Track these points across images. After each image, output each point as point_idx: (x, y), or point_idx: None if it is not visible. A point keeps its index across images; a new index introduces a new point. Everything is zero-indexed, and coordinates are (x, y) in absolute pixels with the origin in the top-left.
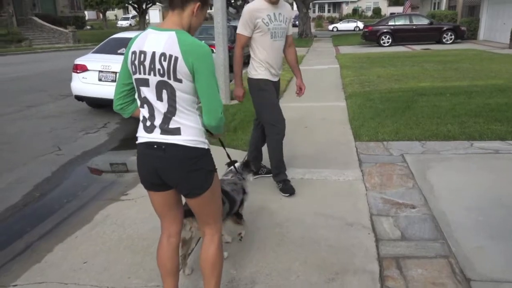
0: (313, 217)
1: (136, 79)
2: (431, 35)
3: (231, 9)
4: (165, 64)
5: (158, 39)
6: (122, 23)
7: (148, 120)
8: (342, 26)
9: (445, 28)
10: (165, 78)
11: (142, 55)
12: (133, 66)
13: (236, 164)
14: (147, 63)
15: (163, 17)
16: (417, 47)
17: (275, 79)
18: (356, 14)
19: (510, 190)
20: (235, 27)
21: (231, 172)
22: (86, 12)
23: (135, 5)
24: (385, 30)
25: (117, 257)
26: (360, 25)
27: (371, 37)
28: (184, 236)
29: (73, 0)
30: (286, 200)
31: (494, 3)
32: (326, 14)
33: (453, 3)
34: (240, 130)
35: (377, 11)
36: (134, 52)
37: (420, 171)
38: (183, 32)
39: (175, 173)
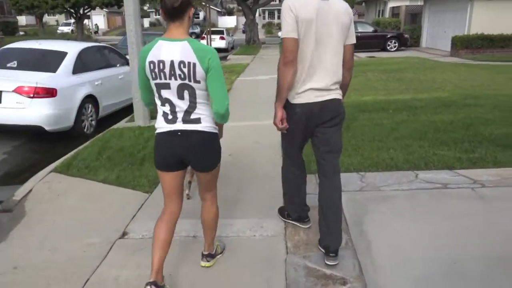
0: None
1: (157, 84)
2: (375, 42)
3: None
4: (185, 70)
5: (173, 49)
6: (63, 29)
7: (169, 115)
8: None
9: (389, 36)
10: (186, 81)
11: (161, 64)
12: (153, 74)
13: None
14: (167, 70)
15: (108, 23)
16: (363, 55)
17: None
18: None
19: (463, 247)
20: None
21: None
22: (24, 17)
23: (72, 10)
24: None
25: None
26: None
27: None
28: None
29: (2, 5)
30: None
31: (435, 11)
32: (276, 20)
33: (396, 11)
34: (149, 162)
35: None
36: (152, 62)
37: (357, 218)
38: (193, 40)
39: (195, 153)
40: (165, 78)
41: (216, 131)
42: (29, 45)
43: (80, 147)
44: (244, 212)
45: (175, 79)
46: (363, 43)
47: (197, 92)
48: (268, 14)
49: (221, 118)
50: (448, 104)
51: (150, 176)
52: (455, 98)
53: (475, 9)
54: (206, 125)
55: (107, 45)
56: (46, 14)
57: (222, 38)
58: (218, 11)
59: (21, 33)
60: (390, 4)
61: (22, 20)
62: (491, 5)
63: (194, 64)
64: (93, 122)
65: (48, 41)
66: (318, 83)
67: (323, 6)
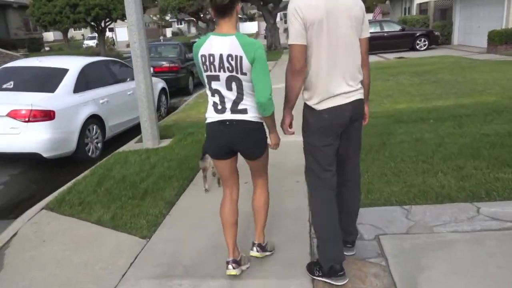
0: None
1: (208, 76)
2: (404, 42)
3: (200, 24)
4: (233, 62)
5: (222, 43)
6: (88, 43)
7: (219, 105)
8: None
9: (418, 34)
10: (234, 73)
11: (211, 57)
12: (204, 66)
13: None
14: (216, 63)
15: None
16: (390, 56)
17: None
18: None
19: None
20: (191, 45)
21: None
22: (52, 33)
23: (94, 24)
24: None
25: None
26: None
27: None
28: (204, 166)
29: (28, 22)
30: None
31: (466, 6)
32: None
33: (424, 7)
34: (151, 195)
35: None
36: (203, 55)
37: (409, 280)
38: (241, 35)
39: (244, 141)
40: (215, 71)
41: (261, 120)
42: (28, 63)
43: (79, 177)
44: (259, 269)
45: (224, 71)
46: (390, 43)
47: (244, 83)
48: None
49: (263, 109)
50: (499, 110)
51: (150, 214)
52: (506, 102)
53: None
54: (252, 115)
55: (116, 59)
56: (72, 29)
57: None
58: (239, 17)
59: (47, 48)
60: (417, 1)
61: (50, 36)
62: None
63: (241, 57)
64: (99, 145)
65: (50, 58)
66: (342, 84)
67: (332, 3)
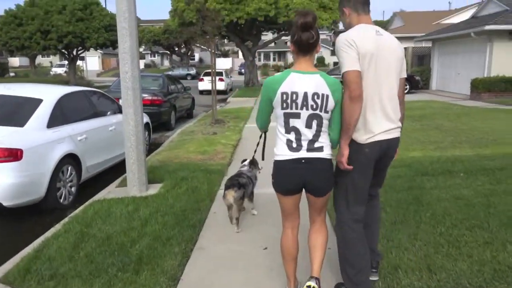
0: None
1: (286, 113)
2: None
3: (175, 57)
4: (318, 101)
5: (307, 81)
6: (57, 70)
7: (294, 143)
8: None
9: None
10: (317, 111)
11: (294, 95)
12: (284, 104)
13: (246, 162)
14: (299, 101)
15: (103, 64)
16: None
17: None
18: None
19: None
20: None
21: (244, 166)
22: (18, 59)
23: (65, 51)
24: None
25: None
26: None
27: None
28: (227, 203)
29: None
30: None
31: (445, 53)
32: (271, 62)
33: None
34: (148, 266)
35: (320, 60)
36: (285, 93)
37: None
38: (324, 74)
39: (318, 179)
40: (296, 108)
41: (332, 157)
42: None
43: (48, 234)
44: None
45: (307, 109)
46: None
47: (324, 122)
48: (264, 56)
49: (336, 144)
50: None
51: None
52: None
53: (495, 50)
54: (327, 152)
55: (96, 89)
56: (40, 56)
57: (221, 79)
58: (214, 52)
59: (12, 74)
60: None
61: (16, 61)
62: (511, 46)
63: (327, 96)
64: (73, 189)
65: (21, 85)
66: (384, 121)
67: (380, 40)
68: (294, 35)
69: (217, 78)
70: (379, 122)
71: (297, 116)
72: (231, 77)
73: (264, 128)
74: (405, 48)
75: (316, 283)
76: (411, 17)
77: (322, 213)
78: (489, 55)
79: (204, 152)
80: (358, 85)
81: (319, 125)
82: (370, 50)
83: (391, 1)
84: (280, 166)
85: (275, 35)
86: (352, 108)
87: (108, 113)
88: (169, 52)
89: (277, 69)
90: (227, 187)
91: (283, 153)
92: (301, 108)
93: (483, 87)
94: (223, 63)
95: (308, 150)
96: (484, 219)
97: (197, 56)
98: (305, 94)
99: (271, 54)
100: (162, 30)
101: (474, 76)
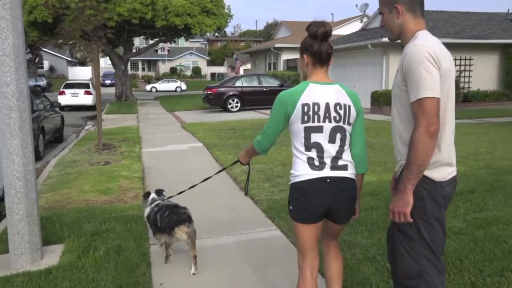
0: None
1: (307, 127)
2: None
3: None
4: (341, 112)
5: (327, 92)
6: None
7: (316, 160)
8: (162, 86)
9: None
10: (340, 123)
11: (316, 106)
12: (305, 116)
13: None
14: (321, 112)
15: None
16: None
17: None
18: (175, 73)
19: None
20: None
21: (155, 198)
22: None
23: None
24: (232, 93)
25: None
26: (183, 85)
27: (216, 101)
28: (176, 241)
29: None
30: None
31: (338, 65)
32: (140, 72)
33: (291, 64)
34: None
35: (197, 71)
36: (306, 105)
37: None
38: (342, 85)
39: (344, 201)
40: (318, 121)
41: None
42: None
43: None
44: None
45: (329, 121)
46: (269, 98)
47: (347, 135)
48: (131, 65)
49: (364, 163)
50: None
51: None
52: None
53: (391, 62)
54: (352, 172)
55: None
56: None
57: (88, 92)
58: (68, 60)
59: None
60: (284, 57)
61: None
62: None
63: (349, 106)
64: None
65: None
66: (453, 151)
67: (448, 52)
68: (310, 45)
69: (83, 90)
70: (454, 155)
71: (320, 130)
72: None
73: (266, 150)
74: (294, 60)
75: None
76: (297, 27)
77: (335, 240)
78: (386, 67)
79: (106, 191)
80: (438, 117)
81: (343, 140)
82: (448, 68)
83: (264, 10)
84: (301, 187)
85: (149, 41)
86: (429, 147)
87: None
88: None
89: (148, 80)
90: (177, 223)
91: (305, 173)
92: (324, 121)
93: (384, 100)
94: (80, 73)
95: (332, 168)
96: (504, 258)
97: (46, 64)
98: (327, 105)
99: (140, 63)
100: None
101: (371, 89)
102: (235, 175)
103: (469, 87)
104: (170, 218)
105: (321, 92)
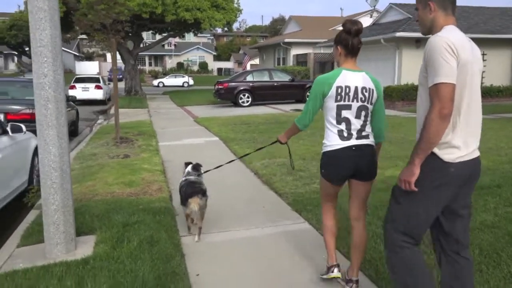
0: None
1: (339, 105)
2: (293, 93)
3: (25, 58)
4: (366, 94)
5: (356, 77)
6: None
7: (345, 132)
8: (169, 81)
9: (308, 86)
10: (365, 103)
11: (347, 88)
12: (338, 96)
13: (189, 167)
14: (351, 93)
15: None
16: (286, 108)
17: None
18: (182, 68)
19: None
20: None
21: (189, 172)
22: None
23: None
24: (243, 88)
25: None
26: (190, 80)
27: (227, 95)
28: (190, 212)
29: None
30: None
31: None
32: (147, 67)
33: (301, 59)
34: None
35: (203, 66)
36: (339, 87)
37: None
38: (368, 72)
39: (368, 163)
40: (348, 100)
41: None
42: None
43: None
44: None
45: (357, 101)
46: (280, 93)
47: (369, 113)
48: (139, 60)
49: (381, 134)
50: None
51: None
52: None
53: (403, 58)
54: (372, 140)
55: None
56: None
57: (98, 87)
58: (75, 55)
59: None
60: (294, 52)
61: None
62: (417, 54)
63: (373, 90)
64: None
65: None
66: (472, 136)
67: (474, 52)
68: (345, 39)
69: (94, 85)
70: (467, 139)
71: (349, 107)
72: (108, 84)
73: (306, 125)
74: (304, 54)
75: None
76: (307, 21)
77: (364, 207)
78: (398, 62)
79: (130, 183)
80: (450, 102)
81: (366, 116)
82: (468, 58)
83: (270, 5)
84: (332, 155)
85: (156, 35)
86: (438, 127)
87: None
88: (17, 53)
89: (155, 75)
90: (190, 194)
91: (334, 143)
92: (352, 100)
93: (397, 95)
94: (87, 68)
95: (357, 138)
96: None
97: None
98: (356, 88)
99: (147, 59)
100: (8, 25)
101: (383, 84)
102: (255, 169)
103: (482, 83)
104: (186, 190)
105: (351, 77)
